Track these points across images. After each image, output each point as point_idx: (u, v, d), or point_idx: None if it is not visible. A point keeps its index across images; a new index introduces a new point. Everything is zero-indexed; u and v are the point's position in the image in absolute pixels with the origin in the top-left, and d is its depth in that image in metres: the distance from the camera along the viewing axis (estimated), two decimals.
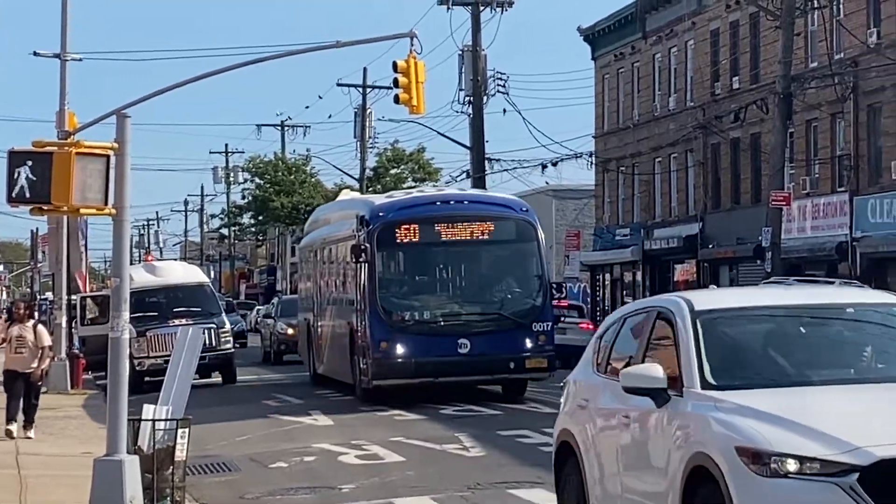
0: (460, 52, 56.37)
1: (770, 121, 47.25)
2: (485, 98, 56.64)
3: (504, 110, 61.17)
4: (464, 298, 33.58)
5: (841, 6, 48.25)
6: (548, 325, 32.90)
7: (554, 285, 34.79)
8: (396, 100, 35.14)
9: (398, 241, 32.83)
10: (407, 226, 32.69)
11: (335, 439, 27.08)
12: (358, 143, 79.61)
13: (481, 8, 55.29)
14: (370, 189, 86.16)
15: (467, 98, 56.50)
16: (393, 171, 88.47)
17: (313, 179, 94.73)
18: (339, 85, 76.85)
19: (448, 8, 55.18)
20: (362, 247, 32.04)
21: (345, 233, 36.40)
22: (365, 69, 77.03)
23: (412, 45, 34.23)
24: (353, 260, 33.04)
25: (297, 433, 28.97)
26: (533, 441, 24.79)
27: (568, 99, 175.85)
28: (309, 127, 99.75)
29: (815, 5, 43.99)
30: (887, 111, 47.24)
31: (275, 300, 65.32)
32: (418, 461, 23.72)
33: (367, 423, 30.32)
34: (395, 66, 34.89)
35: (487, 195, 38.30)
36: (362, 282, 32.95)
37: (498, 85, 57.98)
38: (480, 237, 32.94)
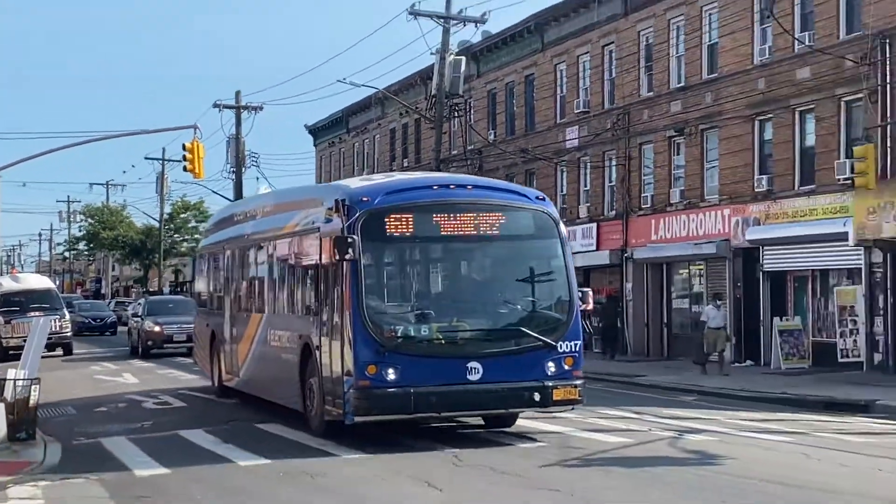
0: (227, 139, 56.05)
1: None
2: (244, 169, 56.23)
3: (257, 178, 61.26)
4: (472, 309, 17.13)
5: (472, 115, 49.17)
6: (576, 345, 16.82)
7: (580, 293, 17.38)
8: (185, 168, 35.37)
9: (388, 234, 16.70)
10: (398, 215, 16.71)
11: (139, 392, 26.61)
12: (158, 196, 78.46)
13: (242, 111, 55.13)
14: (168, 226, 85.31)
15: (232, 169, 56.09)
16: (182, 216, 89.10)
17: (128, 220, 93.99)
18: (146, 158, 77.78)
19: (220, 110, 54.97)
20: (349, 239, 16.14)
21: (296, 226, 19.75)
22: (164, 148, 75.91)
23: (195, 132, 34.43)
24: (323, 259, 17.58)
25: (112, 387, 28.35)
26: None
27: (300, 172, 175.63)
28: (125, 185, 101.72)
29: (455, 115, 44.75)
30: None
31: (142, 301, 49.27)
32: (196, 406, 23.42)
33: (162, 381, 29.77)
34: (184, 146, 35.13)
35: (493, 181, 20.95)
36: (337, 287, 16.83)
37: (252, 161, 57.65)
38: (490, 231, 17.10)
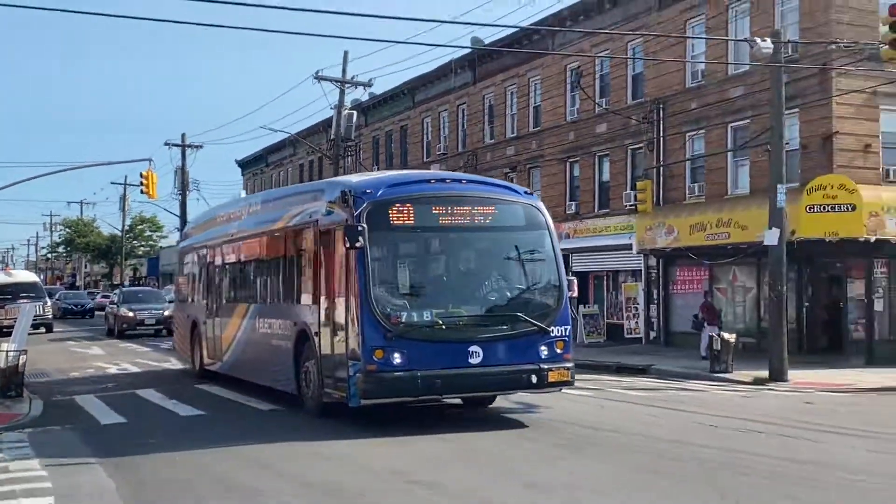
0: (175, 169, 54.67)
1: None
2: (188, 192, 54.87)
3: (198, 199, 59.94)
4: (471, 296, 13.32)
5: (361, 155, 48.96)
6: (566, 330, 13.28)
7: (567, 281, 13.79)
8: (142, 191, 34.59)
9: (392, 224, 12.95)
10: (401, 206, 13.02)
11: (105, 361, 25.84)
12: (121, 212, 76.47)
13: (186, 148, 53.89)
14: (128, 235, 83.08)
15: (179, 192, 54.78)
16: (139, 227, 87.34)
17: (97, 230, 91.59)
18: (112, 183, 76.33)
19: (169, 147, 53.73)
20: (359, 228, 12.54)
21: (290, 219, 15.61)
22: (126, 176, 73.77)
23: (150, 164, 33.72)
24: (323, 250, 13.89)
25: (83, 357, 27.46)
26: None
27: (231, 197, 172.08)
28: (95, 203, 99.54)
29: (348, 155, 44.36)
30: None
31: (118, 292, 45.37)
32: (149, 373, 22.82)
33: (124, 353, 28.95)
34: (141, 174, 34.33)
35: (484, 177, 16.53)
36: (341, 275, 13.14)
37: (194, 187, 56.30)
38: (486, 222, 13.46)
